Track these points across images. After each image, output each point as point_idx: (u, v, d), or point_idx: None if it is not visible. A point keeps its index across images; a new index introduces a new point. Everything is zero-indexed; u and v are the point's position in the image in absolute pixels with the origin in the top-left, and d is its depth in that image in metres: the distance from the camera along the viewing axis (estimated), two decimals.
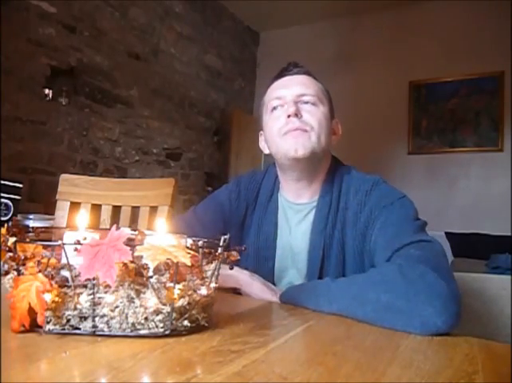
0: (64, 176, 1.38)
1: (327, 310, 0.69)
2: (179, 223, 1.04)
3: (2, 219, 1.92)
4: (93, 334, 0.49)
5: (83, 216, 0.56)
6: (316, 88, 0.96)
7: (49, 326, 0.49)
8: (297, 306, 0.73)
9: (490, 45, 3.66)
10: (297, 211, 0.98)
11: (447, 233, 3.23)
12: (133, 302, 0.50)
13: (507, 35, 3.52)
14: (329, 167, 0.98)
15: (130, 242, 0.50)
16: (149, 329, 0.50)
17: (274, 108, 0.95)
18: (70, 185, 1.36)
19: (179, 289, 0.51)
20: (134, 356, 0.44)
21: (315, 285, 0.77)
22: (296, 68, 0.98)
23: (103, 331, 0.50)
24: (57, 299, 0.48)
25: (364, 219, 0.88)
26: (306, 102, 0.93)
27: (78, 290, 0.50)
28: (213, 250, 0.58)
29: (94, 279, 0.49)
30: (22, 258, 0.52)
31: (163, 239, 0.53)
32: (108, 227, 1.14)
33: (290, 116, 0.91)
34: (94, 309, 0.49)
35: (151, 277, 0.51)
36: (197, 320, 0.54)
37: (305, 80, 0.96)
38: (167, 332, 0.51)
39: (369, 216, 0.87)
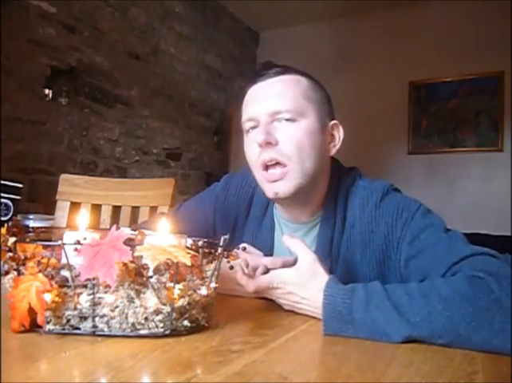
0: (64, 176, 1.38)
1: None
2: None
3: (2, 219, 1.92)
4: (93, 334, 0.49)
5: (83, 216, 0.56)
6: (294, 96, 0.79)
7: (49, 326, 0.49)
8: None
9: (490, 45, 3.65)
10: (294, 229, 0.87)
11: None
12: (133, 302, 0.50)
13: (507, 35, 3.52)
14: (330, 182, 0.85)
15: (130, 242, 0.51)
16: (149, 329, 0.50)
17: (249, 130, 0.82)
18: (70, 185, 1.36)
19: (179, 289, 0.51)
20: (134, 356, 0.44)
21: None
22: (270, 69, 0.81)
23: (103, 331, 0.50)
24: (57, 299, 0.48)
25: (379, 241, 0.77)
26: (283, 119, 0.78)
27: (78, 290, 0.50)
28: (213, 250, 0.58)
29: (94, 279, 0.49)
30: (22, 258, 0.52)
31: (163, 239, 0.53)
32: (108, 227, 1.14)
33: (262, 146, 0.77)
34: (94, 309, 0.49)
35: (151, 277, 0.51)
36: (197, 320, 0.54)
37: (280, 87, 0.79)
38: (167, 332, 0.51)
39: (386, 237, 0.76)
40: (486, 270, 0.61)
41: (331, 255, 0.81)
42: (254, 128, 0.81)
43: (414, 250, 0.73)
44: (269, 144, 0.77)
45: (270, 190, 0.79)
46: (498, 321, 0.55)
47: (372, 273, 0.78)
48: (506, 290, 0.57)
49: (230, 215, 0.93)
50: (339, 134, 0.86)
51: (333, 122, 0.86)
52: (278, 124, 0.78)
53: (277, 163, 0.78)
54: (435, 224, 0.75)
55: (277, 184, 0.78)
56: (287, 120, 0.78)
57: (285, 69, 0.82)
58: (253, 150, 0.80)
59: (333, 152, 0.86)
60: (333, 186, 0.85)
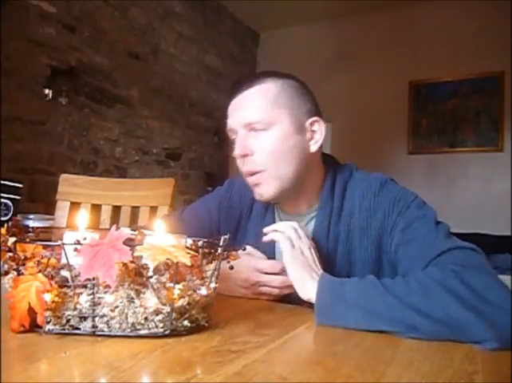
0: (64, 176, 1.38)
1: (382, 328, 0.60)
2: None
3: (2, 219, 1.92)
4: (93, 334, 0.49)
5: (83, 216, 0.56)
6: (261, 107, 0.81)
7: (49, 326, 0.49)
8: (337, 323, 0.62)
9: (490, 45, 3.65)
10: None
11: None
12: (133, 302, 0.50)
13: (507, 35, 3.52)
14: (325, 176, 0.88)
15: (130, 242, 0.50)
16: (149, 329, 0.50)
17: (233, 141, 0.88)
18: (70, 185, 1.36)
19: (179, 289, 0.51)
20: (134, 356, 0.44)
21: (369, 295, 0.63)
22: (243, 84, 0.85)
23: (103, 331, 0.50)
24: (56, 299, 0.48)
25: (376, 226, 0.80)
26: (256, 129, 0.82)
27: (78, 290, 0.50)
28: (213, 250, 0.58)
29: (94, 279, 0.49)
30: (22, 258, 0.52)
31: (163, 239, 0.53)
32: (108, 227, 1.14)
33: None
34: (94, 310, 0.49)
35: (151, 277, 0.51)
36: (197, 320, 0.54)
37: (248, 100, 0.83)
38: (166, 332, 0.51)
39: (383, 223, 0.79)
40: (462, 263, 0.65)
41: (328, 242, 0.83)
42: (235, 139, 0.87)
43: (404, 238, 0.77)
44: (245, 155, 0.83)
45: (256, 193, 0.85)
46: (473, 298, 0.58)
47: (370, 257, 0.81)
48: (475, 278, 0.61)
49: (234, 213, 0.96)
50: (320, 129, 0.86)
51: (312, 119, 0.85)
52: (254, 133, 0.83)
53: (255, 173, 0.83)
54: (427, 215, 0.78)
55: (259, 188, 0.84)
56: (258, 129, 0.82)
57: (254, 80, 0.84)
58: (238, 160, 0.86)
59: (315, 148, 0.85)
60: (330, 178, 0.87)
